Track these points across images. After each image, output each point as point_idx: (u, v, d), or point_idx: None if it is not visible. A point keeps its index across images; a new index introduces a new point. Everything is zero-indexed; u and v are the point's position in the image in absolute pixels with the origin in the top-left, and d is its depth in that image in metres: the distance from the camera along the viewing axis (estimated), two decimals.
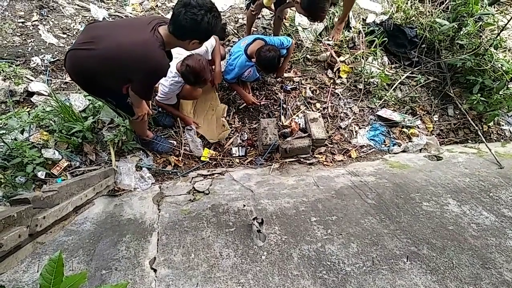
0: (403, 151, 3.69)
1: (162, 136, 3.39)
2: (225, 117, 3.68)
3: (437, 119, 4.08)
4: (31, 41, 3.78)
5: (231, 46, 4.05)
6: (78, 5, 4.23)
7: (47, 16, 4.03)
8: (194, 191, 2.94)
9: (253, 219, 2.45)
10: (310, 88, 3.97)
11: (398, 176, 3.07)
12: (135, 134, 3.18)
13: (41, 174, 2.88)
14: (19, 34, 3.80)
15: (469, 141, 3.98)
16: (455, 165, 3.29)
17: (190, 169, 3.30)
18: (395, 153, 3.65)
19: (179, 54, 3.06)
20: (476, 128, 3.91)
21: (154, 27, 2.12)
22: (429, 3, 4.60)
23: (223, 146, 3.57)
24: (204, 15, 1.97)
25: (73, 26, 4.03)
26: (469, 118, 3.98)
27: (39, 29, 3.89)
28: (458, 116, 4.11)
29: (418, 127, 3.92)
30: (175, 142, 3.41)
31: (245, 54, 3.41)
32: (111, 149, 3.06)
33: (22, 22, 3.89)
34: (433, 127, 3.99)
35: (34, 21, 3.94)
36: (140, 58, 2.10)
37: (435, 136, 3.84)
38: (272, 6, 3.65)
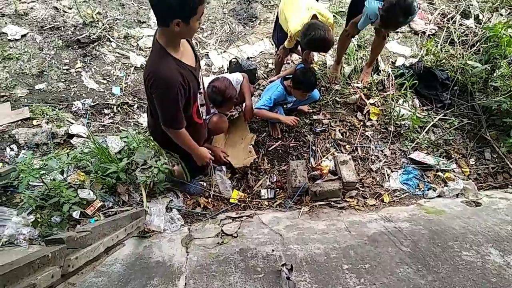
0: (439, 196, 3.52)
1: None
2: (252, 144, 3.68)
3: (474, 162, 3.92)
4: (74, 87, 4.04)
5: (261, 90, 4.15)
6: (118, 53, 4.52)
7: (90, 63, 4.32)
8: (222, 234, 2.91)
9: (282, 265, 2.38)
10: (339, 130, 3.96)
11: (434, 223, 2.93)
12: (169, 176, 3.23)
13: (76, 214, 2.95)
14: (63, 80, 4.08)
15: (510, 186, 3.76)
16: (496, 211, 3.11)
17: (219, 211, 3.30)
18: (430, 198, 3.49)
19: None
20: None
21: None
22: (459, 46, 4.60)
23: (252, 188, 3.56)
24: None
25: (113, 72, 4.30)
26: (508, 162, 3.80)
27: (81, 75, 4.17)
28: (496, 160, 3.93)
29: (454, 171, 3.77)
30: (205, 184, 3.44)
31: (282, 84, 3.53)
32: (143, 191, 3.12)
33: (67, 69, 4.19)
34: (470, 171, 3.82)
35: (78, 68, 4.23)
36: (146, 77, 2.09)
37: (472, 181, 3.66)
38: (300, 50, 3.76)
